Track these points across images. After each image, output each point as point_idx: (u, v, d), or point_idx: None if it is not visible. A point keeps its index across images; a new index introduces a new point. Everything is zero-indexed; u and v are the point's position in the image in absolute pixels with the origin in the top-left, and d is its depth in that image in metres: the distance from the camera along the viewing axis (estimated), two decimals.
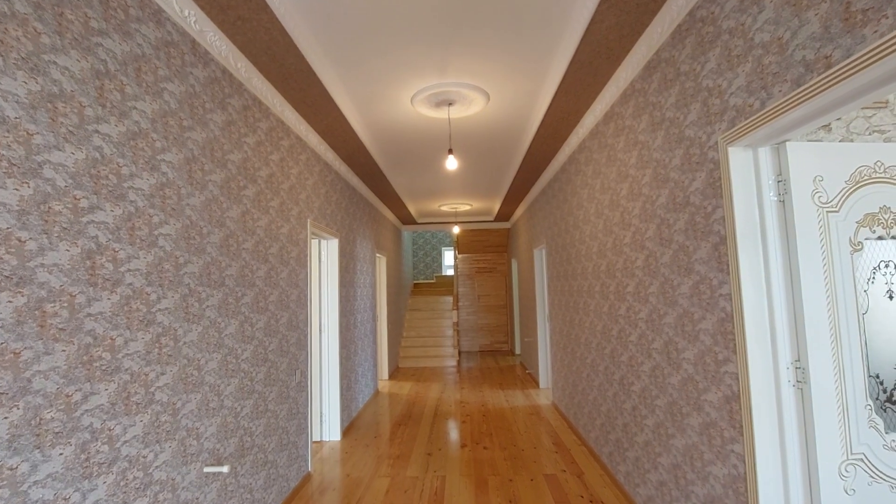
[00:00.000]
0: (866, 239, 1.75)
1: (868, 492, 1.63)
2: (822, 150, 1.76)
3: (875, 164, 1.77)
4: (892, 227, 1.75)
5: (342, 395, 4.69)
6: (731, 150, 1.80)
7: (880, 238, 1.76)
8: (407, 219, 8.84)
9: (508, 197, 6.94)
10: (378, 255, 7.06)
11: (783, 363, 1.69)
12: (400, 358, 8.91)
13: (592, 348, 3.86)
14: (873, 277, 1.75)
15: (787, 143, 1.73)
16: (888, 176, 1.77)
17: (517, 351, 9.72)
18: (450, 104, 3.35)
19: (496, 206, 7.94)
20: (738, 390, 1.80)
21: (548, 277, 5.77)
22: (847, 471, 1.64)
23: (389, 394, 6.45)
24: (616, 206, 3.17)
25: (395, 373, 8.13)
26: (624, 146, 2.98)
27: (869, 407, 1.68)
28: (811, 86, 1.37)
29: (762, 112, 1.59)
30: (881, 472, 1.65)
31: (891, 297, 1.75)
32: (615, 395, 3.32)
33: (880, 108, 2.10)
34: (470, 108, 3.43)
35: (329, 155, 4.36)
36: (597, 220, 3.63)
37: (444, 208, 7.95)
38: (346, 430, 4.80)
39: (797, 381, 1.69)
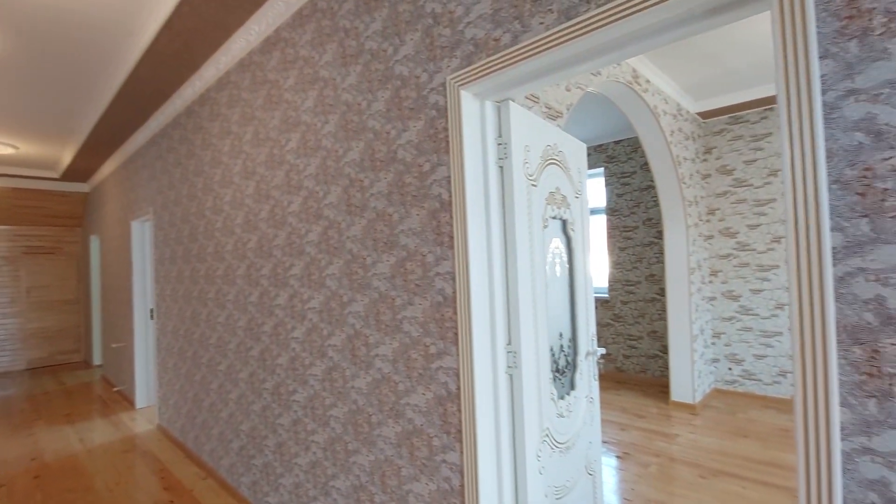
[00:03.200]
0: (550, 217, 1.79)
1: (549, 463, 1.65)
2: (531, 120, 1.67)
3: (554, 144, 1.85)
4: (561, 208, 1.88)
5: None
6: (464, 94, 1.46)
7: (554, 218, 1.85)
8: None
9: (90, 145, 4.76)
10: None
11: (501, 349, 1.50)
12: None
13: (230, 350, 2.94)
14: (551, 254, 1.82)
15: (510, 101, 1.55)
16: (559, 159, 1.89)
17: (97, 362, 7.12)
18: None
19: (66, 157, 5.39)
20: (458, 387, 1.49)
21: (155, 260, 4.27)
22: (541, 451, 1.60)
23: None
24: (279, 164, 2.42)
25: None
26: (296, 84, 2.28)
27: (550, 380, 1.72)
28: (573, 25, 1.15)
29: (514, 49, 1.30)
30: (557, 441, 1.72)
31: (557, 273, 1.87)
32: (265, 410, 2.58)
33: (534, 103, 2.32)
34: None
35: None
36: (245, 181, 2.74)
37: None
38: None
39: (509, 367, 1.53)
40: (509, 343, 1.54)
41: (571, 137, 2.01)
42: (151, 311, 4.44)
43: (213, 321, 3.16)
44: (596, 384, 2.09)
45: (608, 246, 5.44)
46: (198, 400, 3.45)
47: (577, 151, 2.06)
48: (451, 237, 1.49)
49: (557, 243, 1.87)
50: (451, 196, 1.49)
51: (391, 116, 1.72)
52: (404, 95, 1.66)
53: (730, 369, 4.54)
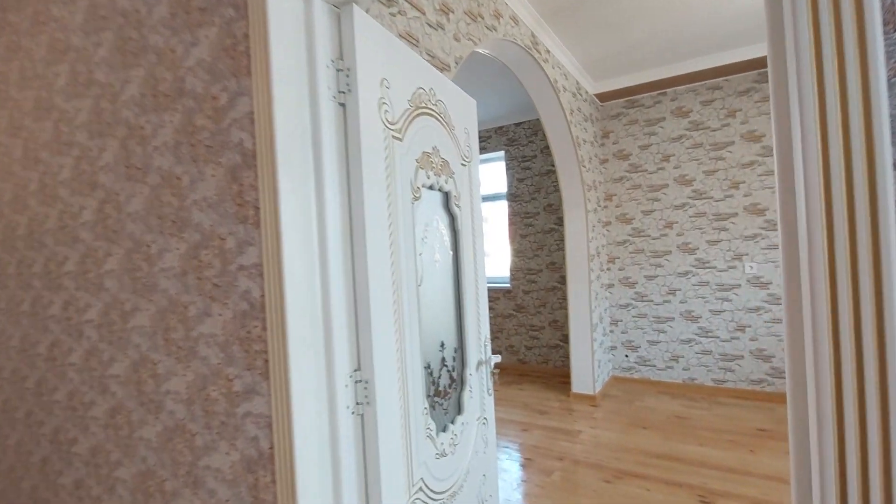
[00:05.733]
0: (423, 186, 1.32)
1: None
2: (391, 42, 1.17)
3: (430, 90, 1.37)
4: (440, 175, 1.41)
5: None
6: None
7: (431, 188, 1.38)
8: None
9: None
10: None
11: (340, 379, 0.99)
12: None
13: (4, 379, 2.09)
14: (425, 237, 1.35)
15: (354, 5, 1.02)
16: (438, 111, 1.42)
17: None
18: None
19: None
20: (272, 445, 0.95)
21: None
22: None
23: None
24: (47, 111, 1.66)
25: None
26: None
27: (426, 411, 1.25)
28: None
29: None
30: (435, 492, 1.26)
31: (436, 262, 1.40)
32: (44, 464, 1.81)
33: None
34: None
35: None
36: (12, 140, 1.91)
37: None
38: None
39: (357, 404, 1.03)
40: (357, 369, 1.03)
41: (456, 87, 1.55)
42: None
43: None
44: (490, 400, 1.69)
45: (510, 233, 5.20)
46: None
47: (464, 106, 1.61)
48: (258, 209, 0.95)
49: (437, 222, 1.40)
50: (255, 143, 0.94)
51: (177, 25, 1.11)
52: None
53: (626, 356, 4.53)
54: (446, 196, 1.47)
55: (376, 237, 1.05)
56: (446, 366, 1.41)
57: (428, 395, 1.29)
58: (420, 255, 1.30)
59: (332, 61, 1.01)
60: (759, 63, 3.72)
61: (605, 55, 3.66)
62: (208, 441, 1.09)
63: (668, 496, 2.45)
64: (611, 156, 4.56)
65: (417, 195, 1.26)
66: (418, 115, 1.28)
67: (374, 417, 1.01)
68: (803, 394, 0.66)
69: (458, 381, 1.48)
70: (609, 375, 4.51)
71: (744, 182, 3.96)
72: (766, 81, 3.83)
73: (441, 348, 1.39)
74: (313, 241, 0.95)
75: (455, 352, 1.47)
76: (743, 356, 4.00)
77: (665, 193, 4.30)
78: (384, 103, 1.11)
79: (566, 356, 4.88)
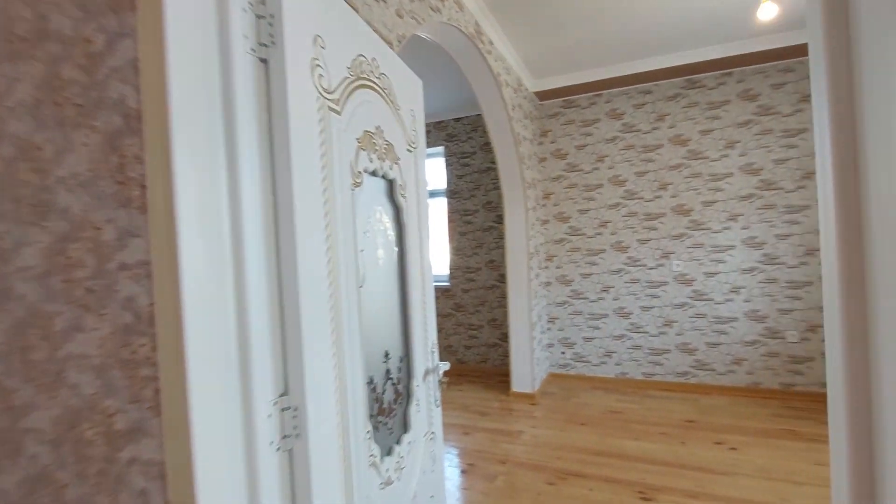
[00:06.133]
0: (366, 171, 1.13)
1: None
2: None
3: (372, 60, 1.19)
4: (384, 160, 1.23)
5: None
6: None
7: (374, 174, 1.19)
8: None
9: None
10: None
11: (261, 408, 0.78)
12: None
13: None
14: (367, 231, 1.16)
15: None
16: (382, 86, 1.24)
17: None
18: None
19: None
20: (167, 501, 0.72)
21: None
22: None
23: None
24: None
25: None
26: None
27: (369, 434, 1.06)
28: None
29: None
30: None
31: (379, 260, 1.22)
32: None
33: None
34: None
35: None
36: None
37: None
38: None
39: (286, 437, 0.82)
40: (284, 393, 0.83)
41: (402, 62, 1.38)
42: None
43: None
44: (438, 411, 1.53)
45: (448, 231, 5.09)
46: None
47: (410, 85, 1.44)
48: (144, 188, 0.71)
49: (380, 214, 1.22)
50: (140, 102, 0.71)
51: None
52: None
53: (563, 353, 4.59)
54: (391, 184, 1.29)
55: (309, 228, 0.85)
56: (391, 378, 1.23)
57: (371, 416, 1.11)
58: (362, 251, 1.11)
59: (251, 4, 0.80)
60: (686, 70, 3.89)
61: (546, 52, 3.65)
62: (82, 496, 0.83)
63: (611, 495, 2.44)
64: (549, 154, 4.59)
65: (359, 181, 1.07)
66: (359, 86, 1.09)
67: (305, 453, 0.82)
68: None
69: (405, 395, 1.31)
70: (546, 373, 4.54)
71: (671, 184, 4.13)
72: (693, 88, 4.03)
73: (385, 359, 1.21)
74: (223, 230, 0.74)
75: (401, 361, 1.30)
76: (670, 350, 4.18)
77: (600, 193, 4.39)
78: (318, 66, 0.91)
79: (505, 355, 4.86)
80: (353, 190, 1.04)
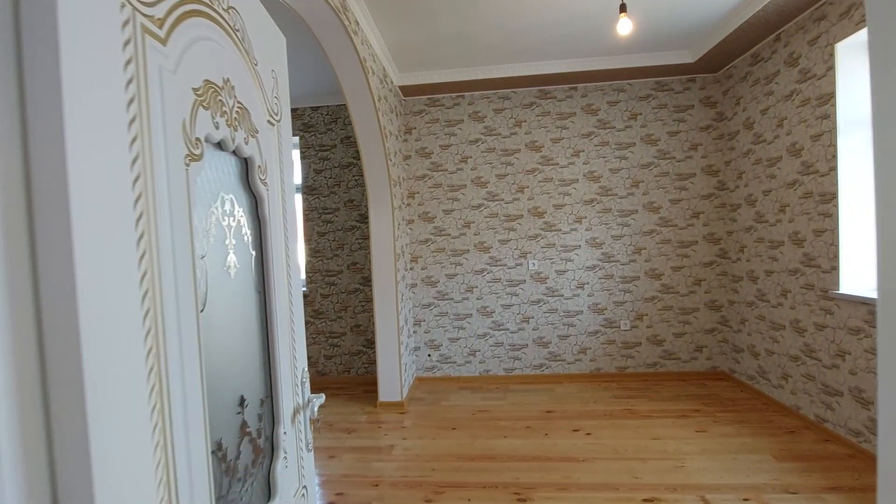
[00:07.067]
0: (208, 141, 0.77)
1: None
2: None
3: None
4: (236, 129, 0.87)
5: None
6: None
7: (220, 146, 0.84)
8: None
9: None
10: None
11: None
12: None
13: None
14: (211, 228, 0.81)
15: None
16: (231, 24, 0.88)
17: None
18: None
19: None
20: None
21: None
22: None
23: None
24: None
25: None
26: None
27: None
28: None
29: None
30: None
31: (230, 268, 0.87)
32: None
33: None
34: None
35: None
36: None
37: None
38: None
39: None
40: None
41: (260, 4, 1.03)
42: None
43: None
44: (310, 456, 1.21)
45: (305, 231, 4.60)
46: None
47: (271, 38, 1.09)
48: None
49: (231, 205, 0.87)
50: None
51: None
52: None
53: (429, 356, 4.50)
54: (247, 165, 0.94)
55: (101, 222, 0.49)
56: (249, 433, 0.89)
57: (220, 496, 0.76)
58: (203, 258, 0.75)
59: None
60: (540, 80, 4.12)
61: (414, 44, 3.48)
62: None
63: (489, 502, 2.38)
64: (413, 152, 4.45)
65: (197, 152, 0.71)
66: (196, 13, 0.74)
67: None
68: None
69: (267, 451, 0.97)
70: (413, 377, 4.40)
71: (528, 187, 4.35)
72: (545, 98, 4.29)
73: (240, 408, 0.86)
74: None
75: (261, 406, 0.96)
76: (528, 344, 4.40)
77: (464, 194, 4.42)
78: None
79: (370, 362, 4.58)
80: (188, 166, 0.68)
